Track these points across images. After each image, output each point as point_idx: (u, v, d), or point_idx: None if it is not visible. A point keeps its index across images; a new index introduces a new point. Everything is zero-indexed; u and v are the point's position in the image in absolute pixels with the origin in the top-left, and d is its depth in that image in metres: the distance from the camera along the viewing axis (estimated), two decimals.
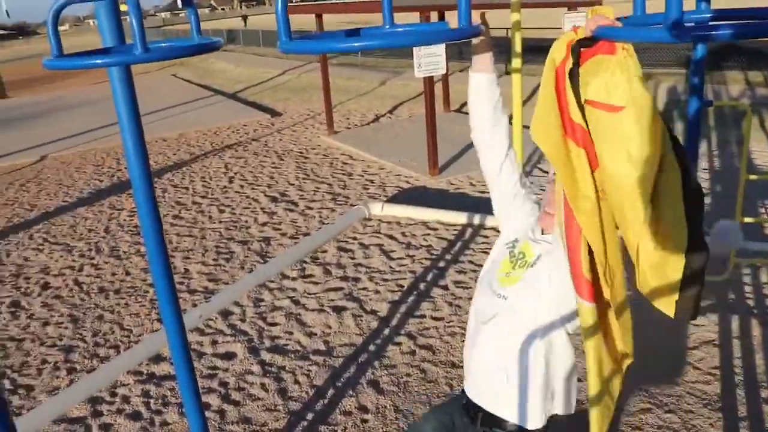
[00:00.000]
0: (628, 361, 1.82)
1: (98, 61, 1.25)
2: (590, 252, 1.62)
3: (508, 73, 14.02)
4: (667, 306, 1.52)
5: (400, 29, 1.27)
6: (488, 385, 1.98)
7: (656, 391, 3.62)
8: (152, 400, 3.91)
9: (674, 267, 1.45)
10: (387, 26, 1.26)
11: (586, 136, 1.46)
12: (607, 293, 1.68)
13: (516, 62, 2.90)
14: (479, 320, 2.00)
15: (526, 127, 8.78)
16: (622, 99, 1.35)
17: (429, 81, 7.63)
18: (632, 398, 3.58)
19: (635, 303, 1.77)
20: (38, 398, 4.05)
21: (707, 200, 6.41)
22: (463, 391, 2.13)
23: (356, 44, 1.07)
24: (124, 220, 7.14)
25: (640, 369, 3.78)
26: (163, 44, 1.49)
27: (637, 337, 3.84)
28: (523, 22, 3.37)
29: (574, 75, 1.43)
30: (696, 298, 1.47)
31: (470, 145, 8.98)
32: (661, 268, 1.47)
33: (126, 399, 3.95)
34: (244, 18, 49.06)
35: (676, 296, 1.47)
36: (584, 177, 1.49)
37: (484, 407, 2.00)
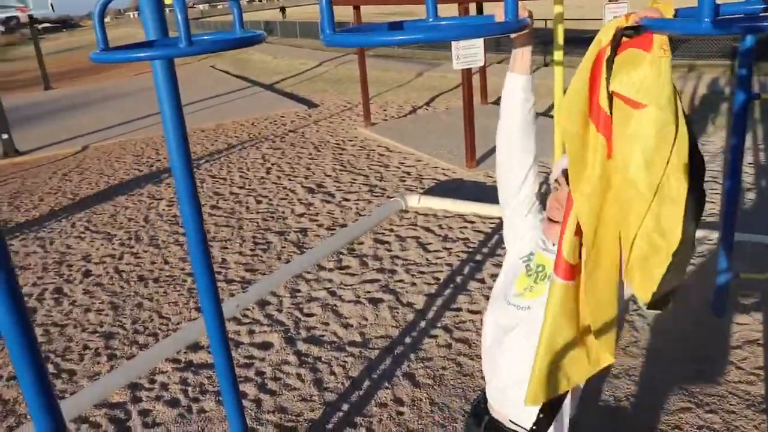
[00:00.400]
0: (604, 360, 1.76)
1: (144, 55, 1.27)
2: (579, 236, 1.61)
3: (546, 65, 13.88)
4: (645, 296, 1.54)
5: (444, 22, 1.27)
6: (517, 393, 1.91)
7: (697, 390, 3.57)
8: (190, 388, 3.98)
9: (660, 264, 1.46)
10: (431, 19, 1.26)
11: (609, 123, 1.45)
12: (583, 277, 1.66)
13: (558, 55, 2.87)
14: (500, 333, 1.93)
15: None
16: (647, 97, 1.34)
17: (467, 73, 7.59)
18: (672, 397, 3.53)
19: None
20: (80, 383, 4.15)
21: (752, 195, 6.28)
22: (479, 402, 2.07)
23: (402, 38, 1.07)
24: (163, 209, 7.25)
25: (680, 367, 3.74)
26: (206, 37, 1.50)
27: (677, 335, 3.79)
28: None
29: (609, 62, 1.42)
30: (670, 293, 1.52)
31: None
32: (647, 261, 1.49)
33: (164, 386, 4.03)
34: (282, 9, 49.28)
35: (654, 288, 1.50)
36: (594, 162, 1.49)
37: (509, 416, 1.95)
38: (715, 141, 7.91)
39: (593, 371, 1.77)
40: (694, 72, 11.15)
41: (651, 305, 1.55)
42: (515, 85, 1.91)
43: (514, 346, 1.89)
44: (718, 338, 4.02)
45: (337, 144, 9.40)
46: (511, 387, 1.90)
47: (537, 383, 1.70)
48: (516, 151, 1.99)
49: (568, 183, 1.57)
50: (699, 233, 5.29)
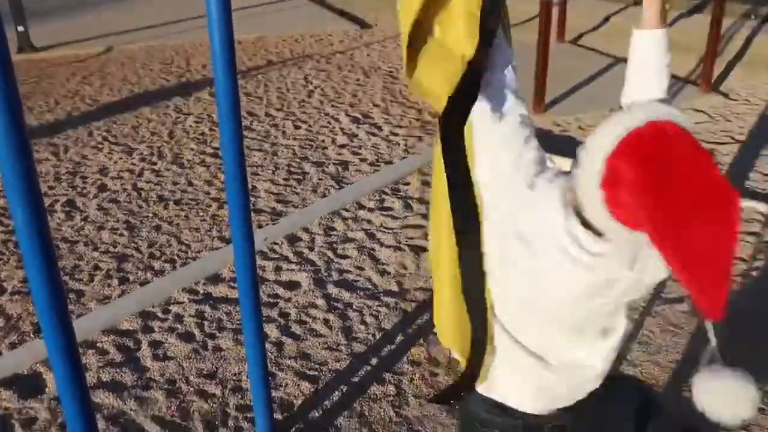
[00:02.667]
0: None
1: None
2: None
3: (636, 2, 13.45)
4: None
5: None
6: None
7: None
8: (206, 323, 4.08)
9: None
10: None
11: None
12: None
13: None
14: None
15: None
16: None
17: (546, 6, 7.41)
18: None
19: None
20: (88, 305, 4.28)
21: None
22: None
23: None
24: (190, 126, 7.32)
25: (755, 359, 3.69)
26: None
27: (756, 324, 3.71)
28: None
29: None
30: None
31: (583, 83, 8.72)
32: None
33: (179, 318, 4.13)
34: None
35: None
36: None
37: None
38: None
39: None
40: None
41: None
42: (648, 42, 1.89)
43: None
44: None
45: (390, 72, 9.31)
46: None
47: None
48: None
49: None
50: None
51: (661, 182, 1.29)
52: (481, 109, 1.62)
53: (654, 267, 1.53)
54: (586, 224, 1.49)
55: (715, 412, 1.49)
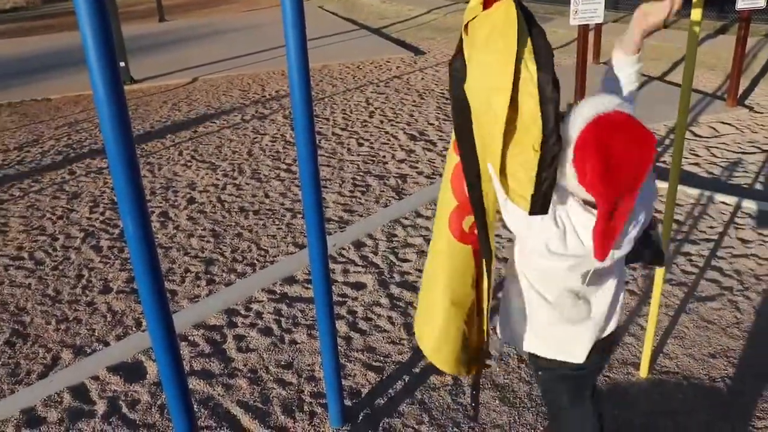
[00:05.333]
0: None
1: None
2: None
3: (665, 26, 13.20)
4: (524, 204, 1.78)
5: None
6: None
7: None
8: (283, 319, 4.13)
9: (530, 166, 1.71)
10: None
11: None
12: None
13: (695, 14, 2.72)
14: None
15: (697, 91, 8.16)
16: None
17: (583, 30, 7.33)
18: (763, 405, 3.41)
19: None
20: (180, 303, 4.38)
21: None
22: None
23: None
24: (266, 145, 7.44)
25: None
26: None
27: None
28: None
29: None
30: (548, 191, 1.75)
31: None
32: (520, 168, 1.75)
33: (259, 315, 4.20)
34: None
35: (532, 190, 1.73)
36: None
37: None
38: None
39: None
40: None
41: (534, 207, 1.77)
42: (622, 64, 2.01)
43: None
44: None
45: (442, 93, 9.31)
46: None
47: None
48: None
49: None
50: None
51: (604, 160, 1.61)
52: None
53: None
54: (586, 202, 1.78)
55: None
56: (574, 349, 2.13)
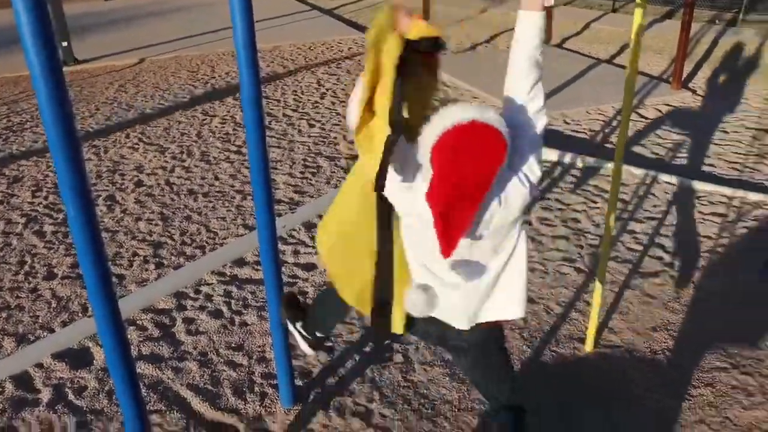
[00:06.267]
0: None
1: None
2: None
3: (614, 10, 13.41)
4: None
5: None
6: None
7: (735, 351, 3.56)
8: (233, 301, 4.11)
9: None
10: None
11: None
12: None
13: None
14: None
15: (645, 74, 8.25)
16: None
17: None
18: (708, 355, 3.53)
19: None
20: (128, 287, 4.32)
21: None
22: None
23: None
24: (216, 126, 7.34)
25: (721, 327, 3.72)
26: None
27: (721, 296, 3.78)
28: None
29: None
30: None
31: (567, 83, 8.68)
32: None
33: (209, 297, 4.17)
34: None
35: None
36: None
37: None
38: None
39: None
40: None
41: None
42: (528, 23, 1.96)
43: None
44: (762, 302, 3.98)
45: None
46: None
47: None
48: None
49: None
50: (755, 197, 5.18)
51: (448, 180, 1.71)
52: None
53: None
54: None
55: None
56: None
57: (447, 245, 1.77)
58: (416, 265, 2.09)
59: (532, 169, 1.91)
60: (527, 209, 2.03)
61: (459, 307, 2.08)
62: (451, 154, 1.72)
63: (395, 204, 1.98)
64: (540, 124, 1.98)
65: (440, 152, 1.73)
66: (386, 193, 1.93)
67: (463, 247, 1.91)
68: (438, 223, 1.75)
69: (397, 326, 2.22)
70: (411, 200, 1.90)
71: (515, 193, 1.87)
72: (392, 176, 1.87)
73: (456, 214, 1.73)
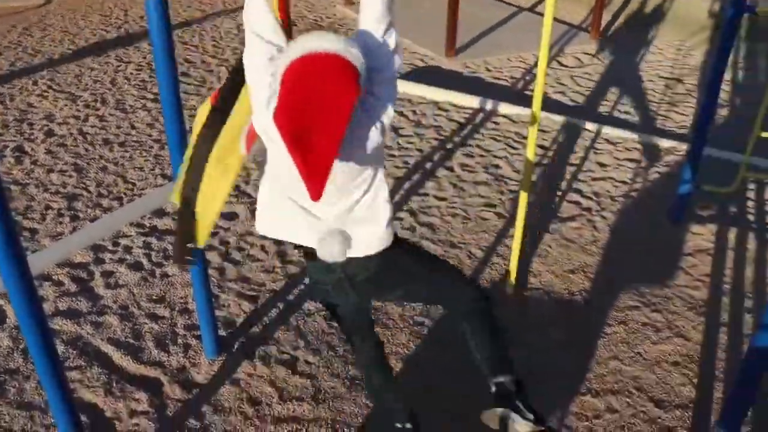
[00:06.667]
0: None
1: None
2: None
3: None
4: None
5: None
6: None
7: (646, 291, 3.74)
8: (153, 253, 4.03)
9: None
10: None
11: None
12: None
13: None
14: None
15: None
16: None
17: None
18: (622, 295, 3.69)
19: None
20: (42, 242, 4.16)
21: (724, 113, 6.35)
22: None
23: None
24: (131, 73, 7.05)
25: (633, 268, 3.89)
26: None
27: (634, 238, 3.93)
28: None
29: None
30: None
31: (489, 30, 8.69)
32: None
33: (128, 249, 4.07)
34: None
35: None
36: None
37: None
38: (696, 55, 7.88)
39: None
40: None
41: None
42: None
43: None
44: (672, 244, 4.17)
45: (315, 20, 9.13)
46: None
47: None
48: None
49: None
50: (667, 143, 5.37)
51: (294, 102, 1.66)
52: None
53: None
54: None
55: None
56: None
57: (315, 186, 1.67)
58: (281, 199, 2.03)
59: (386, 113, 1.90)
60: (382, 154, 2.02)
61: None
62: (301, 79, 1.68)
63: (259, 127, 1.93)
64: (394, 66, 1.95)
65: (290, 75, 1.70)
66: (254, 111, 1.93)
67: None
68: (296, 160, 1.65)
69: (201, 238, 2.31)
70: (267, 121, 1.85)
71: (370, 136, 1.84)
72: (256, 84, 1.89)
73: (313, 147, 1.65)
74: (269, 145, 1.93)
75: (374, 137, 1.85)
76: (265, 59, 1.87)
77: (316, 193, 1.67)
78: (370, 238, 2.06)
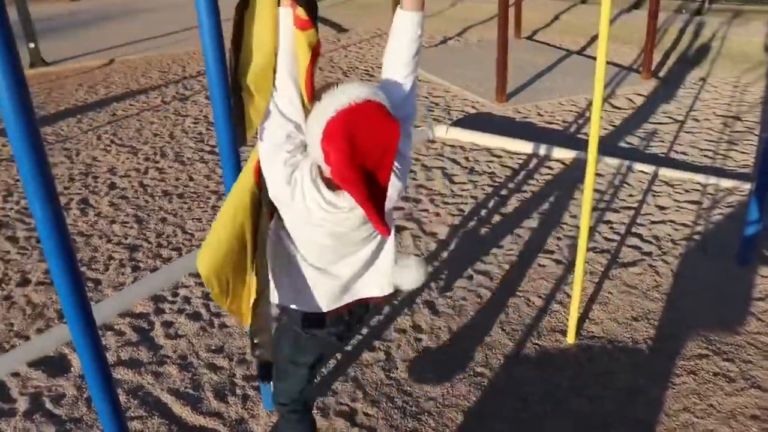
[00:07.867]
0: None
1: None
2: None
3: (584, 1, 13.46)
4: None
5: None
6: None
7: (715, 338, 3.57)
8: (212, 303, 4.05)
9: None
10: None
11: None
12: None
13: None
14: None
15: (612, 63, 8.28)
16: None
17: (504, 4, 7.39)
18: (689, 343, 3.54)
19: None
20: (104, 291, 4.23)
21: None
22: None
23: None
24: (189, 126, 7.24)
25: (700, 314, 3.74)
26: None
27: (700, 283, 3.78)
28: None
29: None
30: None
31: (539, 75, 8.69)
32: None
33: (187, 300, 4.10)
34: None
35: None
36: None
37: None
38: (753, 91, 7.70)
39: None
40: (740, 18, 10.75)
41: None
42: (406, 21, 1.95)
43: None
44: (741, 289, 4.00)
45: (366, 71, 9.27)
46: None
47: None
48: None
49: None
50: (729, 183, 5.21)
51: (350, 149, 1.67)
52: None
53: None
54: (329, 183, 1.84)
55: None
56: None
57: (381, 222, 1.72)
58: (303, 268, 2.08)
59: (405, 160, 1.98)
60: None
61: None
62: (357, 125, 1.70)
63: (277, 198, 1.94)
64: (412, 116, 2.02)
65: (339, 135, 1.69)
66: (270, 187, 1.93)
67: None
68: (364, 206, 1.70)
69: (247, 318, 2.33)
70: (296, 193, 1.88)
71: (392, 184, 1.87)
72: (275, 161, 1.89)
73: (378, 188, 1.71)
74: (288, 215, 1.97)
75: (395, 185, 1.92)
76: (284, 136, 1.88)
77: (386, 230, 1.76)
78: (382, 281, 2.17)
